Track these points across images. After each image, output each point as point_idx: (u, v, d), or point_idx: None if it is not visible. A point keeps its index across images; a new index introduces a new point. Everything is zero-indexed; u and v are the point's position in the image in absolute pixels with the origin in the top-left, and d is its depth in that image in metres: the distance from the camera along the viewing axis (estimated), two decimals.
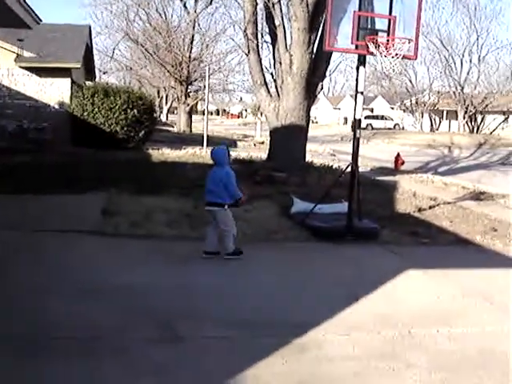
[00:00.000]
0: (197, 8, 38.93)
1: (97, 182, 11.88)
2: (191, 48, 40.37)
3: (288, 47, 16.19)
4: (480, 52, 55.98)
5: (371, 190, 13.34)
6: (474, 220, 11.14)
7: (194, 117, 46.63)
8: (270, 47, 17.68)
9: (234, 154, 19.51)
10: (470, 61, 56.20)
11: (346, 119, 73.31)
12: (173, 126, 47.32)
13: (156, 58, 38.99)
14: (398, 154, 21.70)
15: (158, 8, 39.65)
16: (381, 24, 9.13)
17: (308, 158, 18.38)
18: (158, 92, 59.77)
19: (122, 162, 15.77)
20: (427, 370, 4.61)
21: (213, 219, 7.52)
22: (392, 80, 59.90)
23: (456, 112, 57.07)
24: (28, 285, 6.09)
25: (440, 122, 61.84)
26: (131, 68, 44.90)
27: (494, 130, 55.19)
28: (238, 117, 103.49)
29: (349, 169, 9.43)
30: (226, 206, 7.38)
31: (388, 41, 8.83)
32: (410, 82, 60.43)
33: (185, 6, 40.34)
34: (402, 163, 21.28)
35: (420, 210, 11.88)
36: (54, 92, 21.31)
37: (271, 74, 17.94)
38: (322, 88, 17.92)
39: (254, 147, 28.72)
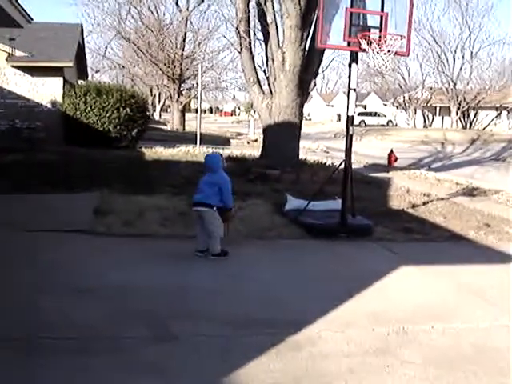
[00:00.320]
0: (189, 6, 39.02)
1: (89, 181, 11.84)
2: (184, 46, 40.34)
3: (280, 44, 16.18)
4: (472, 48, 56.28)
5: (364, 187, 13.36)
6: (467, 216, 11.17)
7: (187, 115, 46.60)
8: (263, 45, 17.68)
9: (227, 152, 19.54)
10: (463, 57, 56.51)
11: (339, 116, 73.40)
12: (166, 125, 47.28)
13: (148, 57, 38.91)
14: (392, 151, 21.72)
15: (149, 6, 39.67)
16: (373, 21, 9.13)
17: (301, 156, 18.38)
18: (151, 90, 59.74)
19: (114, 161, 15.72)
20: (422, 366, 4.62)
21: (200, 220, 7.45)
22: (385, 77, 60.03)
23: (449, 108, 57.23)
24: (20, 285, 6.06)
25: (433, 118, 62.02)
26: (124, 66, 44.82)
27: (486, 126, 55.35)
28: (232, 115, 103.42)
29: (342, 166, 9.44)
30: (215, 208, 7.34)
31: (380, 37, 8.83)
32: (403, 78, 60.62)
33: (177, 3, 40.37)
34: (396, 160, 21.30)
35: (413, 206, 11.90)
36: (47, 91, 21.22)
37: (264, 71, 17.95)
38: (314, 85, 17.96)
39: (248, 145, 28.70)
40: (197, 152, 19.72)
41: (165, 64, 39.30)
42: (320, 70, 17.84)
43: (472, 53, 56.30)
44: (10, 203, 10.01)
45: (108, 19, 39.17)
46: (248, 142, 30.54)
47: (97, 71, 44.84)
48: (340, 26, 8.90)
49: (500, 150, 34.24)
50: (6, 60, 20.55)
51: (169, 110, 55.07)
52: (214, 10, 37.30)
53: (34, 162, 14.47)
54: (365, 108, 74.81)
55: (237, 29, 17.44)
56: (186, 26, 39.76)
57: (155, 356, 4.55)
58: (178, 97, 41.26)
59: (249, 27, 17.47)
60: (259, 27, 17.62)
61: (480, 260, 8.25)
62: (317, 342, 4.98)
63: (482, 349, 5.05)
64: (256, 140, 30.19)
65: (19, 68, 20.86)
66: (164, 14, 41.82)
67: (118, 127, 20.61)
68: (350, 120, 9.28)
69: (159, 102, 62.84)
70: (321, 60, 17.11)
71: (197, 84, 31.84)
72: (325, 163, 18.50)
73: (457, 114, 56.25)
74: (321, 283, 6.71)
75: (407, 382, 4.34)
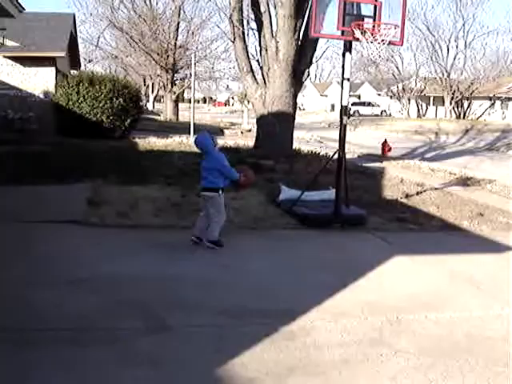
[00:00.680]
0: None
1: (82, 172, 11.79)
2: (177, 35, 40.20)
3: (274, 34, 16.13)
4: (466, 38, 56.32)
5: (358, 177, 13.38)
6: (460, 205, 11.19)
7: (180, 105, 46.50)
8: (256, 34, 17.63)
9: (220, 142, 19.48)
10: (457, 47, 56.52)
11: (333, 106, 73.32)
12: (159, 115, 47.16)
13: (141, 46, 38.76)
14: (385, 141, 21.73)
15: None
16: (367, 10, 9.12)
17: (295, 146, 18.38)
18: (144, 80, 59.52)
19: (107, 152, 15.67)
20: (415, 355, 4.63)
21: (205, 205, 7.45)
22: (379, 66, 60.00)
23: (443, 98, 57.29)
24: (13, 276, 6.04)
25: (427, 108, 62.05)
26: (116, 56, 44.63)
27: (480, 116, 55.47)
28: (225, 105, 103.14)
29: (336, 156, 9.42)
30: (221, 191, 7.33)
31: (374, 26, 8.80)
32: (397, 68, 60.60)
33: None
34: (389, 150, 21.31)
35: (407, 196, 11.91)
36: (39, 81, 21.14)
37: (257, 61, 17.92)
38: (308, 75, 17.92)
39: (241, 135, 28.65)
40: (190, 142, 19.67)
41: (158, 54, 39.16)
42: (314, 60, 17.82)
43: (466, 42, 56.40)
44: (2, 194, 9.96)
45: (100, 9, 39.09)
46: (242, 132, 30.48)
47: (89, 61, 44.68)
48: (334, 15, 8.88)
49: (493, 139, 34.29)
50: None
51: (162, 100, 54.94)
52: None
53: (27, 153, 14.41)
54: (359, 98, 74.77)
55: (230, 18, 17.37)
56: (179, 15, 39.62)
57: (149, 347, 4.54)
58: (172, 87, 41.13)
59: (242, 17, 17.42)
60: (252, 17, 17.58)
61: (473, 249, 8.27)
62: (310, 331, 4.99)
63: (476, 338, 5.07)
64: (250, 130, 30.14)
65: (11, 58, 20.76)
66: (157, 4, 41.64)
67: (111, 118, 20.53)
68: (343, 110, 9.25)
69: (152, 92, 62.64)
70: (314, 49, 17.07)
71: (190, 74, 31.73)
72: (319, 153, 18.50)
73: (450, 103, 56.32)
74: (315, 273, 6.70)
75: (401, 372, 4.35)
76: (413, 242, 8.56)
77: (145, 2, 39.85)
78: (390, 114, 63.70)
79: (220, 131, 29.78)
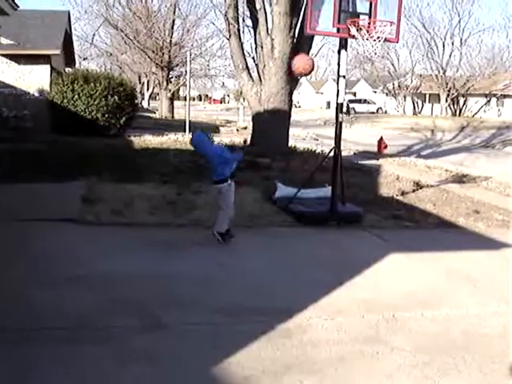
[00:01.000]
0: None
1: (78, 170, 11.74)
2: (172, 33, 40.10)
3: (269, 31, 16.11)
4: (462, 35, 56.30)
5: (354, 174, 13.37)
6: (456, 203, 11.20)
7: (176, 103, 46.38)
8: (252, 31, 17.60)
9: (216, 139, 19.45)
10: (452, 44, 56.53)
11: (328, 103, 73.26)
12: (155, 113, 47.03)
13: (136, 44, 38.64)
14: (381, 138, 21.72)
15: None
16: (362, 7, 9.07)
17: (291, 143, 18.37)
18: (139, 78, 59.40)
19: (102, 150, 15.62)
20: (411, 352, 4.62)
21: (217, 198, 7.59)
22: (374, 64, 59.99)
23: (438, 95, 57.32)
24: (9, 274, 6.01)
25: (422, 105, 62.09)
26: (111, 54, 44.50)
27: (476, 113, 55.51)
28: (221, 102, 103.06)
29: (332, 153, 9.41)
30: (229, 180, 7.45)
31: (369, 24, 8.79)
32: (393, 65, 60.64)
33: None
34: (385, 147, 21.30)
35: (403, 193, 11.90)
36: (34, 79, 21.06)
37: (253, 58, 17.90)
38: None
39: (237, 133, 28.62)
40: (186, 140, 19.63)
41: (153, 51, 39.06)
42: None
43: (461, 39, 56.40)
44: None
45: (95, 6, 38.83)
46: (237, 130, 30.44)
47: (84, 59, 44.50)
48: (329, 12, 8.84)
49: (489, 136, 34.32)
50: None
51: (157, 97, 54.80)
52: None
53: (22, 151, 14.36)
54: (354, 95, 74.77)
55: (225, 15, 17.34)
56: (174, 12, 39.50)
57: (145, 344, 4.53)
58: (167, 84, 41.05)
59: (237, 14, 17.38)
60: (248, 14, 17.55)
61: (469, 246, 8.27)
62: (307, 329, 4.98)
63: (472, 335, 5.07)
64: (245, 127, 30.11)
65: (5, 56, 20.68)
66: (152, 1, 41.45)
67: (106, 115, 20.46)
68: (339, 107, 9.24)
69: (148, 89, 62.48)
70: (310, 47, 17.05)
71: (185, 71, 31.65)
72: (315, 151, 18.48)
73: (446, 100, 56.36)
74: (311, 271, 6.70)
75: (397, 369, 4.35)
76: (409, 239, 8.55)
77: (140, 0, 39.75)
78: (386, 112, 63.73)
79: (216, 129, 29.73)
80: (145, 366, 4.19)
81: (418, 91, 60.56)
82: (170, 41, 39.59)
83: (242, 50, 17.43)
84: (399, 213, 9.90)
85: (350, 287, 6.17)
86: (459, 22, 55.83)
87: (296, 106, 61.37)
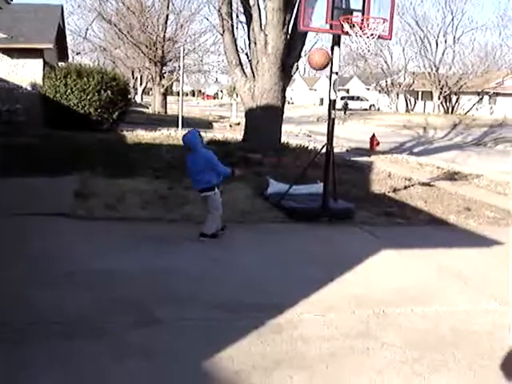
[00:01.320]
0: None
1: (70, 165, 11.72)
2: (165, 28, 40.05)
3: (263, 27, 16.09)
4: (455, 33, 56.41)
5: (347, 171, 13.40)
6: (448, 200, 11.24)
7: (169, 98, 46.32)
8: (245, 27, 17.58)
9: (209, 135, 19.47)
10: (445, 41, 56.64)
11: (321, 100, 73.22)
12: (148, 108, 46.95)
13: (130, 39, 38.57)
14: (374, 135, 21.77)
15: None
16: (356, 4, 9.09)
17: (284, 139, 18.38)
18: (133, 73, 59.21)
19: (95, 144, 15.59)
20: (401, 348, 4.65)
21: (205, 203, 7.52)
22: (367, 61, 60.04)
23: (431, 93, 57.42)
24: (1, 272, 5.99)
25: (415, 102, 62.19)
26: (105, 49, 44.38)
27: (468, 111, 55.67)
28: (214, 98, 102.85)
29: (324, 149, 9.42)
30: (216, 189, 7.38)
31: (363, 20, 8.80)
32: (386, 62, 60.67)
33: None
34: (378, 144, 21.36)
35: (395, 190, 11.94)
36: (27, 73, 20.95)
37: (246, 54, 17.88)
38: (297, 68, 17.90)
39: (230, 128, 28.62)
40: (179, 135, 19.59)
41: (146, 46, 38.98)
42: (302, 54, 17.79)
43: (455, 37, 56.52)
44: None
45: (89, 0, 38.72)
46: (230, 126, 30.45)
47: (77, 53, 44.35)
48: (323, 8, 8.86)
49: (481, 134, 34.46)
50: None
51: (150, 92, 54.72)
52: None
53: (15, 145, 14.30)
54: (347, 92, 74.74)
55: (219, 11, 17.32)
56: (167, 7, 39.43)
57: (141, 340, 4.55)
58: (160, 79, 40.98)
59: (231, 9, 17.36)
60: (242, 9, 17.52)
61: (461, 244, 8.31)
62: (298, 325, 5.00)
63: (462, 332, 5.10)
64: (238, 123, 30.11)
65: None
66: None
67: (99, 110, 20.41)
68: (331, 104, 9.24)
69: (141, 84, 62.32)
70: (303, 43, 17.04)
71: (179, 67, 31.59)
72: (307, 147, 18.51)
73: (439, 98, 56.48)
74: (303, 267, 6.71)
75: (387, 365, 4.37)
76: (400, 235, 8.58)
77: None
78: (379, 109, 63.77)
79: (209, 124, 29.72)
80: (141, 361, 4.20)
81: (411, 89, 60.67)
82: (164, 36, 39.52)
83: (236, 45, 17.42)
84: (391, 209, 9.93)
85: (341, 283, 6.20)
86: (452, 19, 56.01)
87: (289, 103, 61.30)
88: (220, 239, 7.50)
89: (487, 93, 55.38)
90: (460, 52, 56.82)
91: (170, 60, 41.40)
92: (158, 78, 40.85)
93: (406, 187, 12.33)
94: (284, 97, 16.94)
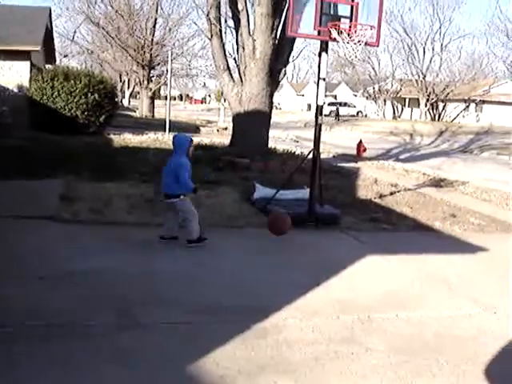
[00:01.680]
0: None
1: (56, 168, 11.67)
2: (154, 32, 40.04)
3: (251, 32, 16.12)
4: (442, 40, 56.78)
5: (333, 177, 13.45)
6: (433, 206, 11.30)
7: (156, 102, 46.25)
8: (234, 32, 17.61)
9: (196, 139, 19.43)
10: (433, 49, 56.99)
11: (309, 106, 73.45)
12: (135, 111, 46.85)
13: (118, 42, 38.50)
14: (361, 141, 21.85)
15: None
16: (344, 10, 9.12)
17: (271, 145, 18.40)
18: (120, 76, 59.14)
19: (82, 147, 15.54)
20: (385, 353, 4.66)
21: (172, 209, 7.45)
22: (355, 67, 60.27)
23: (418, 100, 57.76)
24: None
25: (402, 109, 62.53)
26: (92, 51, 44.28)
27: (455, 118, 56.07)
28: (202, 102, 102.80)
29: (311, 155, 9.45)
30: (182, 196, 7.30)
31: (350, 27, 8.84)
32: (373, 69, 60.96)
33: None
34: (364, 150, 21.43)
35: (381, 196, 11.99)
36: (13, 75, 20.87)
37: (234, 59, 17.90)
38: (285, 74, 17.94)
39: (217, 133, 28.61)
40: (166, 139, 19.58)
41: (134, 50, 38.93)
42: (290, 59, 17.85)
43: (442, 45, 56.86)
44: None
45: (77, 3, 38.68)
46: (218, 130, 30.44)
47: (65, 56, 44.22)
48: (311, 14, 8.88)
49: (467, 141, 34.70)
50: None
51: (138, 96, 54.56)
52: None
53: (0, 148, 14.21)
54: (335, 98, 75.00)
55: (207, 15, 17.33)
56: (156, 11, 39.44)
57: (123, 342, 4.52)
58: (148, 83, 40.92)
59: (220, 14, 17.38)
60: (230, 14, 17.53)
61: (446, 250, 8.35)
62: (283, 329, 5.00)
63: (446, 337, 5.12)
64: (226, 128, 30.12)
65: None
66: None
67: (86, 113, 20.35)
68: (319, 109, 9.27)
69: (128, 88, 62.23)
70: (291, 49, 17.10)
71: (166, 70, 31.56)
72: (294, 152, 18.55)
73: (426, 105, 56.81)
74: (288, 271, 6.72)
75: (371, 370, 4.38)
76: (386, 241, 8.61)
77: None
78: (366, 115, 64.04)
79: (196, 129, 29.70)
80: (122, 364, 4.18)
81: (398, 95, 61.00)
82: (152, 39, 39.51)
83: (224, 50, 17.43)
84: (377, 215, 9.97)
85: (326, 288, 6.21)
86: (440, 27, 56.38)
87: (277, 108, 61.50)
88: (207, 244, 7.47)
89: (474, 100, 55.78)
90: (447, 60, 57.24)
91: (158, 64, 41.39)
92: (145, 82, 40.80)
93: (392, 193, 12.39)
94: (271, 102, 16.97)
